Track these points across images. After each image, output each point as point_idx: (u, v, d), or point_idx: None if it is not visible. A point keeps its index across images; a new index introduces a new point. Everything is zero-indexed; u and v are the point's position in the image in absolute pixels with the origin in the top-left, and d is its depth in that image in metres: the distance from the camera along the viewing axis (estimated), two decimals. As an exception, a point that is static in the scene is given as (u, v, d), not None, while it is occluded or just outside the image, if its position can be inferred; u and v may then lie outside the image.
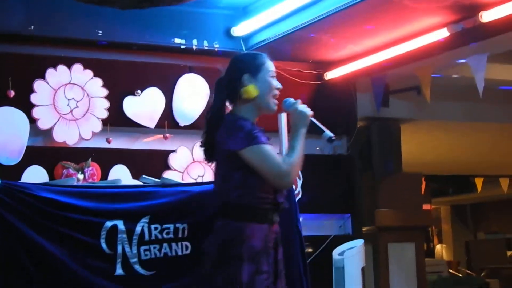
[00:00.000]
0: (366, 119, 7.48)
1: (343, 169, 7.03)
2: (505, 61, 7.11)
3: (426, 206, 14.37)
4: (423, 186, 9.65)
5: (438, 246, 18.46)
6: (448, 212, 18.66)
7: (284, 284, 3.71)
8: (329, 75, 6.99)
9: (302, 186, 6.66)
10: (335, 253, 5.94)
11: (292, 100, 3.76)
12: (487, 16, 5.39)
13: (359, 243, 6.05)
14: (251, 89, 3.64)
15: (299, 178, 6.61)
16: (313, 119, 3.76)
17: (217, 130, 3.63)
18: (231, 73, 3.72)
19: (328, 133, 3.79)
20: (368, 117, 7.45)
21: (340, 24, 5.96)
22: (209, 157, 3.78)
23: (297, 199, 6.30)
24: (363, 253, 6.05)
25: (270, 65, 3.74)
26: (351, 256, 5.97)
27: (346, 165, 7.07)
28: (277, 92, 3.74)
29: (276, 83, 3.73)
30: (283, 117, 5.10)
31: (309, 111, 3.72)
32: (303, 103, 3.78)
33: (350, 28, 6.09)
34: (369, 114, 7.39)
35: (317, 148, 6.88)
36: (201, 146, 3.77)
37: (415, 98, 7.23)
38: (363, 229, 6.73)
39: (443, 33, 5.76)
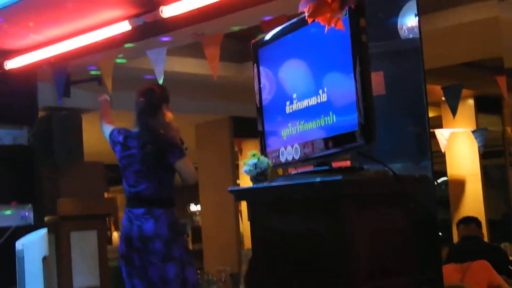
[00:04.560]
0: (48, 109, 7.39)
1: (24, 159, 6.89)
2: (183, 54, 7.44)
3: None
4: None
5: (115, 234, 18.71)
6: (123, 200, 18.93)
7: None
8: (9, 64, 6.79)
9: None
10: (18, 244, 5.82)
11: None
12: (167, 11, 5.60)
13: (40, 232, 5.98)
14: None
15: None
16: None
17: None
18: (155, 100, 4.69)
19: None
20: (49, 107, 7.37)
21: (20, 12, 5.82)
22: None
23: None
24: (46, 243, 5.99)
25: None
26: (31, 246, 5.89)
27: (27, 155, 6.93)
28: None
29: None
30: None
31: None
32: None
33: (30, 17, 5.95)
34: (50, 104, 7.31)
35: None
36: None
37: (96, 88, 7.27)
38: (46, 219, 6.65)
39: (124, 26, 5.87)
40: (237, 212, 9.67)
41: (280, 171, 7.05)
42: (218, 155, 9.75)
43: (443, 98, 8.15)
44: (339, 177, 3.13)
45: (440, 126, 9.79)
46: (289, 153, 3.64)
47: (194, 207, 16.31)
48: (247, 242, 9.21)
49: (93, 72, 7.08)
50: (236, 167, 9.77)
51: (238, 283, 7.12)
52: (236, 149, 10.00)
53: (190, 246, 12.84)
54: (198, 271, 9.66)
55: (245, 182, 9.34)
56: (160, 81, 6.17)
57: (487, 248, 6.57)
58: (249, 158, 3.62)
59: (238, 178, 9.79)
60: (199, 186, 10.28)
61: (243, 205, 9.70)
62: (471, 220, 6.86)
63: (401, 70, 3.85)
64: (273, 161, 3.72)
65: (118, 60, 6.62)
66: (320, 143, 3.44)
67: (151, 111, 4.60)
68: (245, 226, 9.68)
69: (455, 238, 7.77)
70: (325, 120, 3.41)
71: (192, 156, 10.75)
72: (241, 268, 7.87)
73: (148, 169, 4.53)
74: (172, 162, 4.53)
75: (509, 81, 7.84)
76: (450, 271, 5.17)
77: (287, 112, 3.68)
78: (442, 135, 9.29)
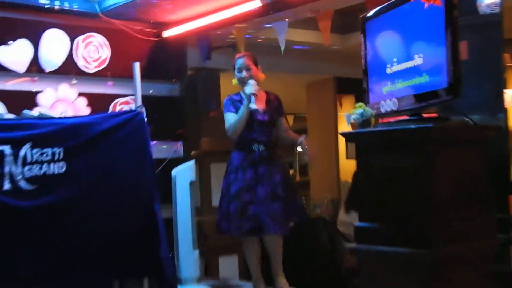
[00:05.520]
0: (194, 69, 7.56)
1: (177, 107, 7.12)
2: (298, 26, 7.44)
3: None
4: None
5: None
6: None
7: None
8: (166, 34, 6.97)
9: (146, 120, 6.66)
10: (173, 171, 6.05)
11: (251, 81, 4.70)
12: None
13: (190, 163, 6.18)
14: (233, 81, 4.90)
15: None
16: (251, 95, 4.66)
17: None
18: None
19: (253, 105, 4.66)
20: (195, 67, 7.54)
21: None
22: None
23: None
24: (193, 171, 6.18)
25: (237, 63, 4.84)
26: (182, 173, 6.09)
27: (179, 104, 7.17)
28: (243, 79, 4.78)
29: (241, 74, 4.80)
30: (137, 66, 5.09)
31: (249, 90, 4.66)
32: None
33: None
34: (196, 65, 7.48)
35: (150, 91, 6.87)
36: None
37: (231, 53, 7.37)
38: (192, 153, 6.85)
39: (255, 4, 5.92)
40: (337, 151, 9.69)
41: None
42: (323, 108, 9.77)
43: (509, 64, 7.83)
44: (430, 125, 3.13)
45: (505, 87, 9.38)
46: (388, 105, 3.63)
47: (299, 149, 16.36)
48: (344, 175, 9.25)
49: (229, 40, 7.18)
50: (336, 118, 9.75)
51: (337, 207, 7.16)
52: (337, 103, 9.96)
53: (298, 178, 12.95)
54: (304, 197, 9.83)
55: (342, 129, 9.32)
56: (282, 48, 6.22)
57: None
58: (356, 108, 3.63)
59: (337, 126, 9.77)
60: (307, 132, 10.32)
61: (342, 146, 9.70)
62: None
63: (482, 40, 3.76)
64: (375, 111, 3.73)
65: (249, 31, 6.67)
66: (413, 98, 3.42)
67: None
68: (342, 162, 9.70)
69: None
70: (419, 79, 3.38)
71: (300, 109, 10.92)
72: (341, 196, 7.92)
73: None
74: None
75: None
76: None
77: (388, 72, 3.66)
78: (506, 93, 8.93)
